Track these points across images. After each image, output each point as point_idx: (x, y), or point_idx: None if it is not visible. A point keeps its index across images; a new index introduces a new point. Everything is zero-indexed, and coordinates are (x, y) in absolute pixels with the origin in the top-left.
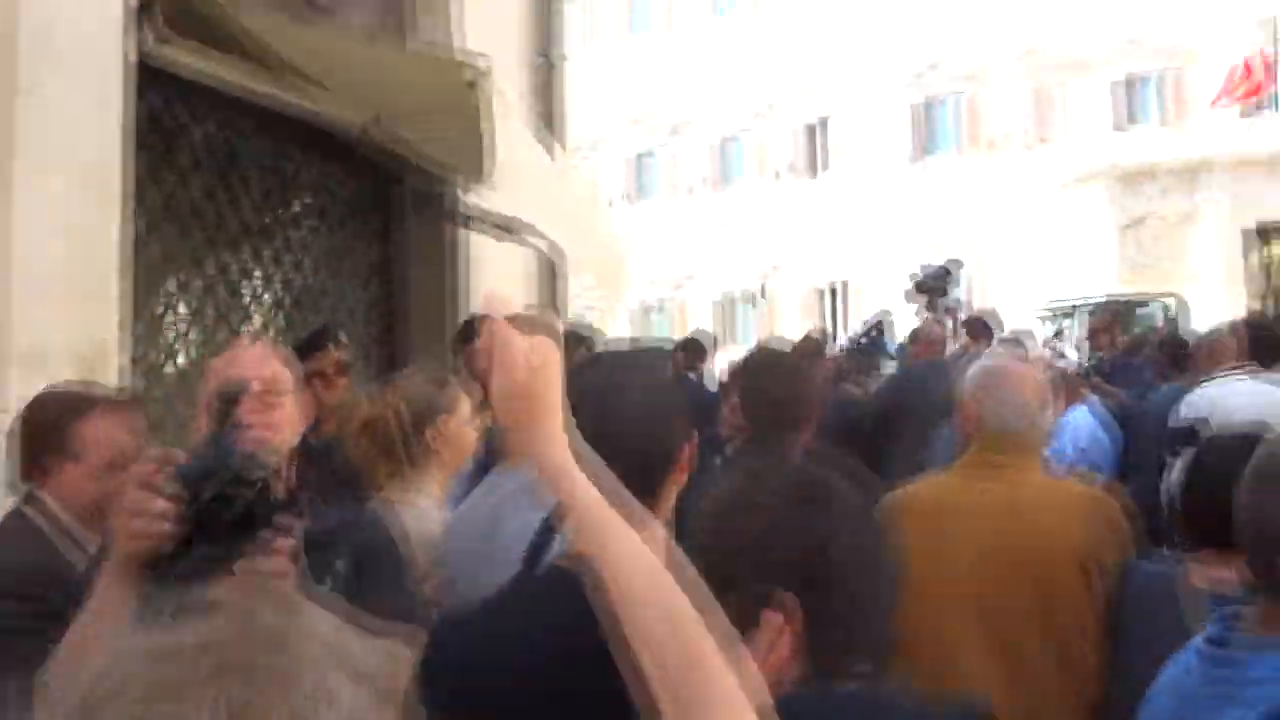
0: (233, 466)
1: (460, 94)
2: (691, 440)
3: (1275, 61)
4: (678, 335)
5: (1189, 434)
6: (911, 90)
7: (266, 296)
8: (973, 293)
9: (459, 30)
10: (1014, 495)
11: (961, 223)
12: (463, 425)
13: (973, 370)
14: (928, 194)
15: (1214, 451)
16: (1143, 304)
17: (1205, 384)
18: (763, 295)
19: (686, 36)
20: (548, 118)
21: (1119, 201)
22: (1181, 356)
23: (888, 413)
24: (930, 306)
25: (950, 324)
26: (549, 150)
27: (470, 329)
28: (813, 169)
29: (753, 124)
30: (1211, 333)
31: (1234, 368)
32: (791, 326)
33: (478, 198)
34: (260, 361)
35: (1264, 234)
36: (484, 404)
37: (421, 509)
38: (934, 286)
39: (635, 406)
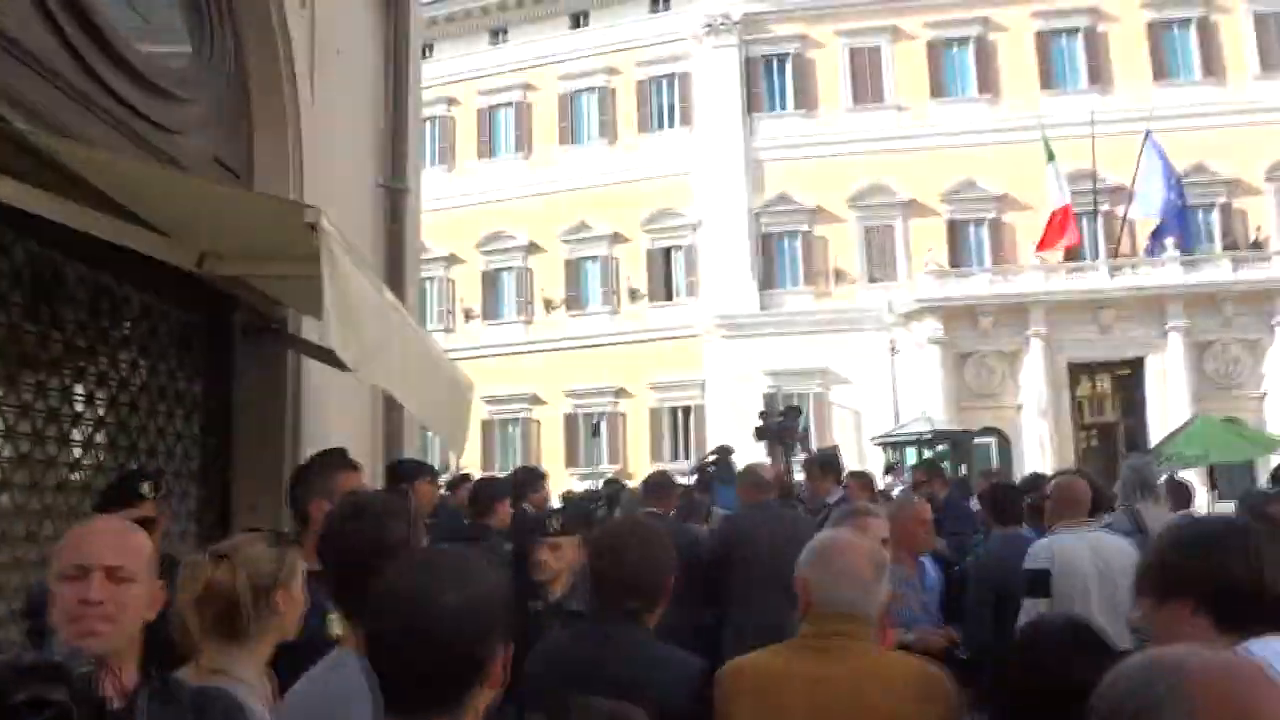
0: (47, 668)
1: (299, 236)
2: (507, 651)
3: (1096, 213)
4: (529, 452)
5: (1039, 580)
6: (757, 224)
7: (85, 424)
8: (820, 419)
9: (305, 155)
10: (846, 671)
11: (804, 352)
12: (299, 593)
13: (810, 543)
14: (773, 322)
15: (1040, 636)
16: (972, 437)
17: (1057, 532)
18: (599, 427)
19: (540, 161)
20: (393, 244)
21: (950, 336)
22: (1007, 506)
23: (719, 561)
24: (773, 453)
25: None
26: (395, 304)
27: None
28: (667, 294)
29: (607, 248)
30: (1062, 482)
31: (1082, 522)
32: (641, 445)
33: (316, 335)
34: (112, 539)
35: (1075, 372)
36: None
37: (248, 685)
38: (781, 430)
39: (447, 613)
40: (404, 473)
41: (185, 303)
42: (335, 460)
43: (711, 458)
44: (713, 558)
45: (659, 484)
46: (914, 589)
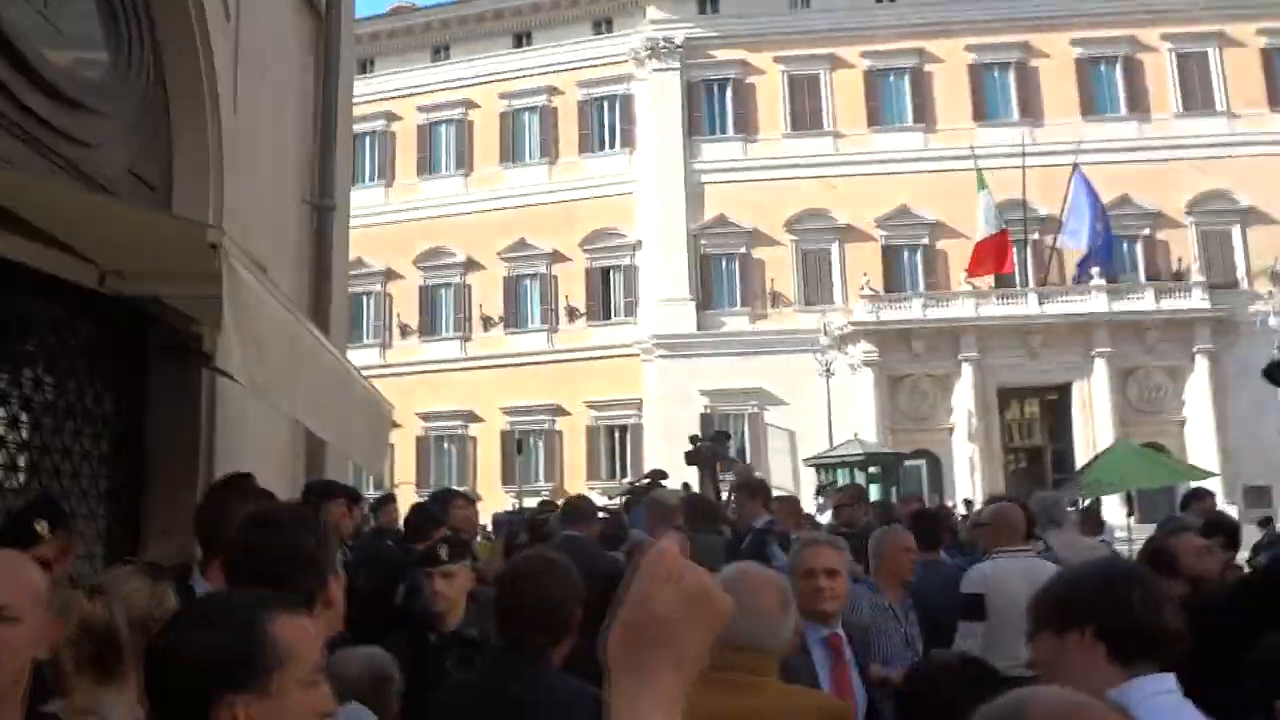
0: None
1: (204, 255)
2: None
3: (1026, 242)
4: (465, 470)
5: (975, 604)
6: (697, 245)
7: None
8: (756, 439)
9: (226, 170)
10: (745, 706)
11: (740, 372)
12: None
13: (719, 575)
14: (711, 343)
15: (932, 673)
16: (903, 459)
17: (995, 558)
18: (521, 445)
19: (483, 179)
20: (319, 261)
21: (883, 360)
22: (928, 532)
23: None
24: (702, 476)
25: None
26: (309, 328)
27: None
28: (605, 313)
29: (546, 266)
30: (999, 509)
31: (1018, 547)
32: (578, 464)
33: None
34: None
35: (1004, 396)
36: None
37: None
38: (711, 453)
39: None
40: (314, 493)
41: (98, 319)
42: (237, 491)
43: (644, 481)
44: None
45: (577, 508)
46: (897, 621)
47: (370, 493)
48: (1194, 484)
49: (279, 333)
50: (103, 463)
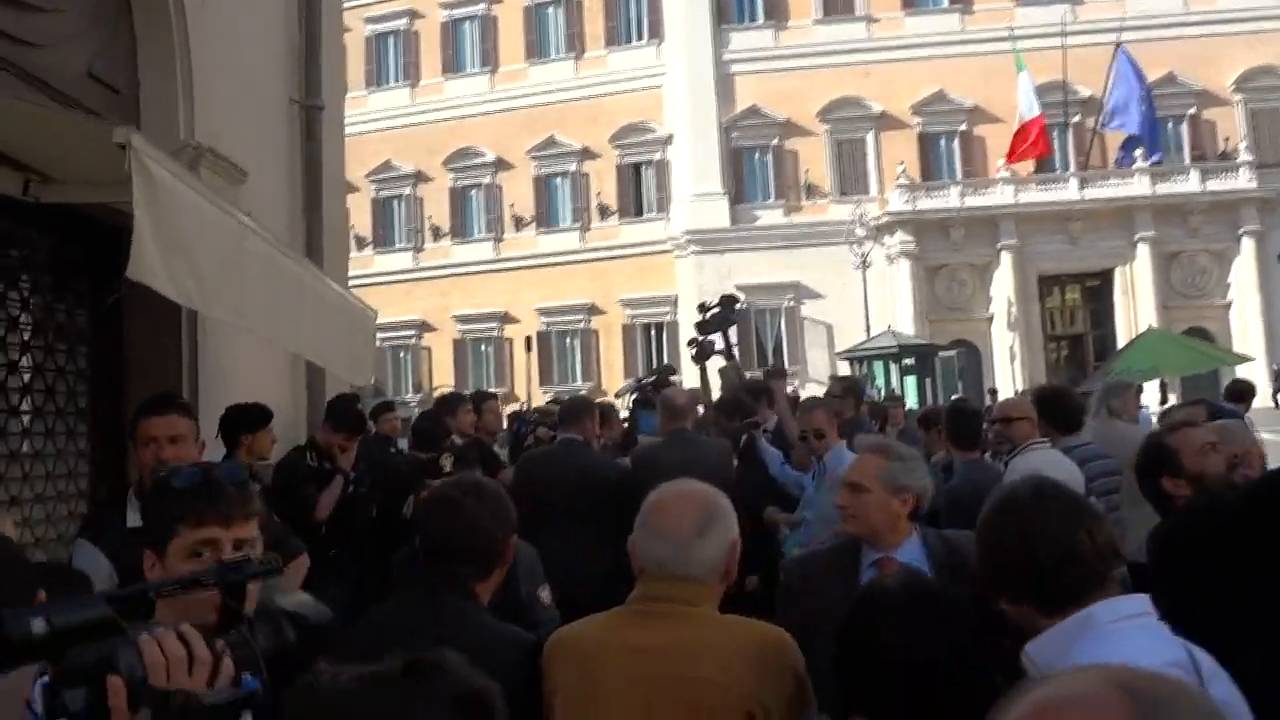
0: None
1: (113, 157)
2: None
3: (1066, 125)
4: (502, 371)
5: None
6: (728, 138)
7: None
8: (793, 333)
9: (196, 68)
10: (671, 640)
11: (775, 266)
12: None
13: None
14: (744, 237)
15: (874, 604)
16: (939, 350)
17: (1020, 453)
18: (530, 342)
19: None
20: (310, 164)
21: (920, 250)
22: (968, 430)
23: (626, 499)
24: (699, 357)
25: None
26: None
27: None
28: (637, 210)
29: (577, 164)
30: (1007, 403)
31: (1034, 443)
32: (615, 362)
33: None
34: None
35: (1044, 284)
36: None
37: None
38: (720, 321)
39: None
40: (231, 425)
41: (71, 233)
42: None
43: (650, 380)
44: (621, 494)
45: (574, 408)
46: None
47: (410, 396)
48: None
49: (216, 238)
50: (80, 378)
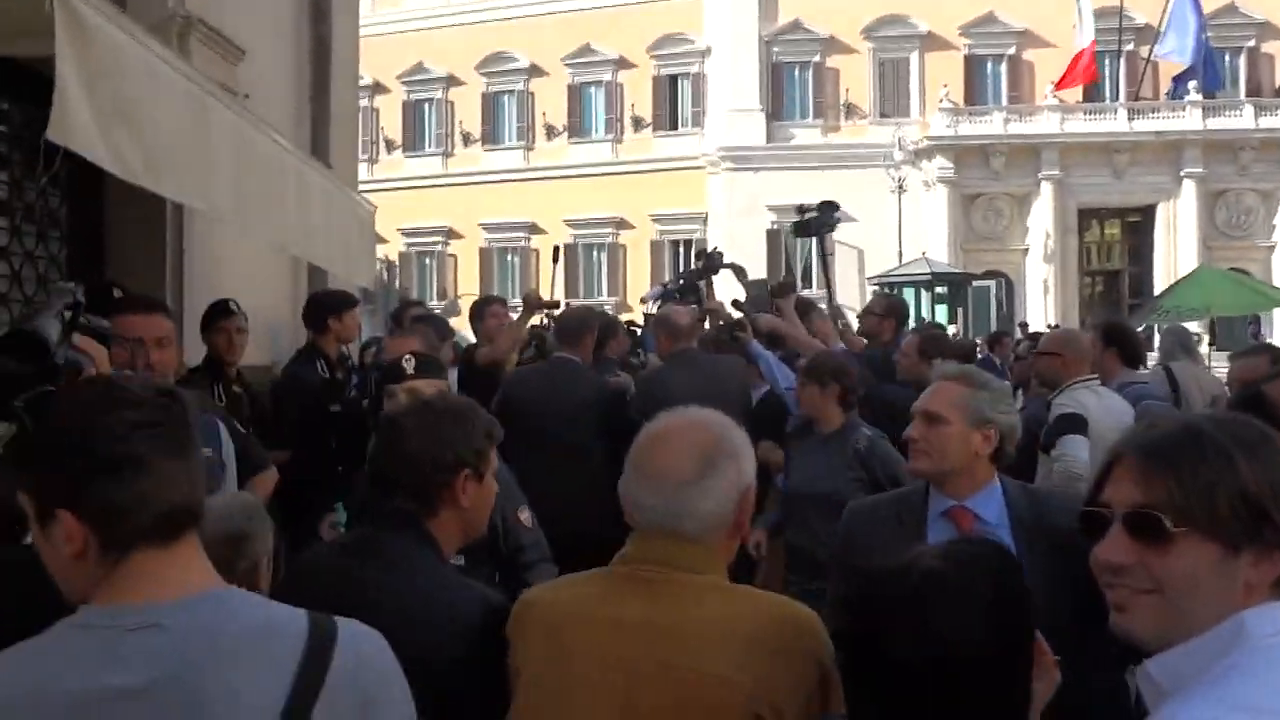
0: None
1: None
2: None
3: (1119, 54)
4: (527, 282)
5: (1074, 422)
6: (768, 52)
7: None
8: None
9: None
10: (667, 615)
11: (810, 187)
12: None
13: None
14: (780, 156)
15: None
16: (972, 280)
17: (1069, 390)
18: (558, 251)
19: None
20: (320, 41)
21: (959, 176)
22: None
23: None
24: (821, 245)
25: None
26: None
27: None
28: (672, 123)
29: (612, 73)
30: (1064, 335)
31: (1083, 380)
32: (641, 278)
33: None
34: None
35: (1084, 217)
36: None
37: None
38: (818, 226)
39: None
40: (317, 309)
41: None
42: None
43: (698, 264)
44: (615, 422)
45: (571, 324)
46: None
47: (434, 303)
48: None
49: (171, 105)
50: (53, 265)
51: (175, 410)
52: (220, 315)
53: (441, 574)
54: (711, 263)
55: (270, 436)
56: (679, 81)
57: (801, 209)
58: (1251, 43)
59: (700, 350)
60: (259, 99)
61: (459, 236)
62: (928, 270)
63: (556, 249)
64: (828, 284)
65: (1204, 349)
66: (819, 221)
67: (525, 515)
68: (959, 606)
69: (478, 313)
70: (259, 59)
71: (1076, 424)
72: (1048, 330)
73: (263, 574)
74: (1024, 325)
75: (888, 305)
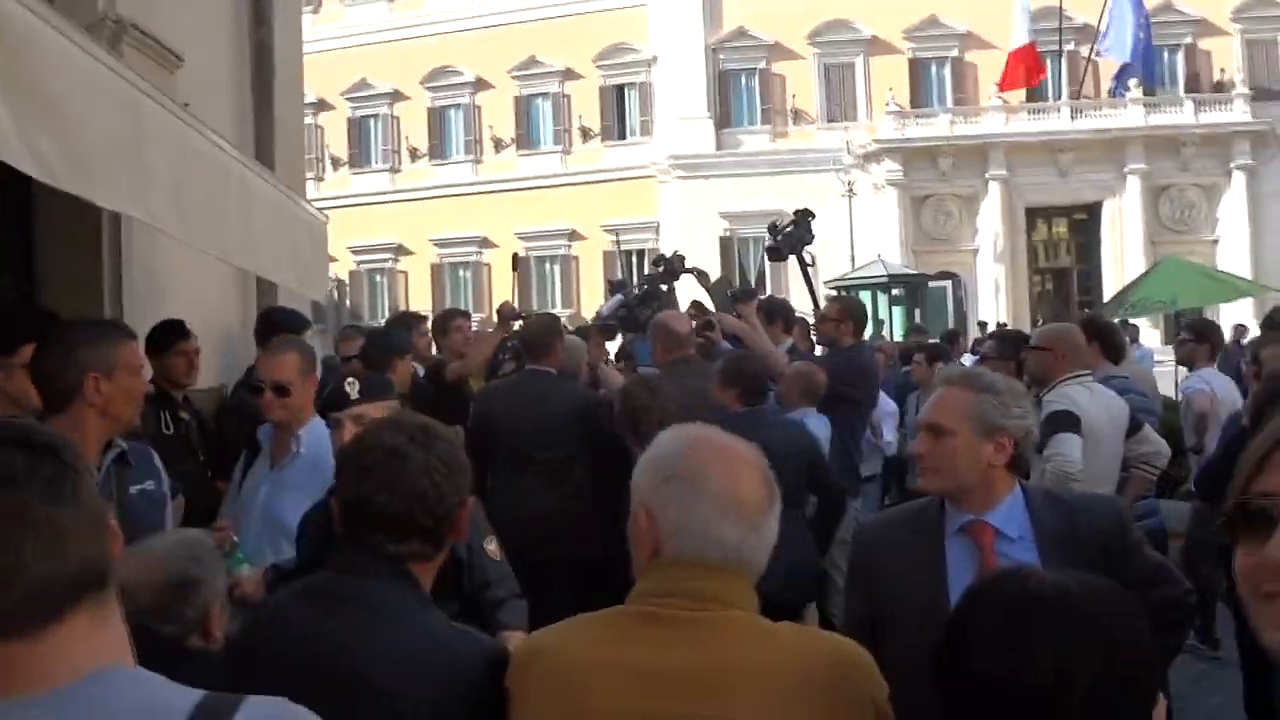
0: None
1: None
2: None
3: (1060, 53)
4: (480, 296)
5: (1066, 419)
6: (714, 60)
7: None
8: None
9: None
10: (699, 662)
11: (760, 193)
12: None
13: (661, 449)
14: (729, 163)
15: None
16: (927, 280)
17: (1059, 386)
18: (516, 260)
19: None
20: (262, 47)
21: (908, 179)
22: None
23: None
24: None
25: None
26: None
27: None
28: (620, 133)
29: (559, 84)
30: (1055, 330)
31: (1073, 376)
32: (595, 289)
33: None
34: None
35: (1032, 216)
36: None
37: None
38: (795, 242)
39: None
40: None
41: None
42: (105, 329)
43: (637, 291)
44: (607, 440)
45: (537, 333)
46: None
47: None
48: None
49: (101, 104)
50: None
51: (47, 456)
52: (177, 336)
53: (438, 622)
54: (673, 267)
55: (220, 464)
56: (626, 91)
57: (773, 227)
58: (1189, 40)
59: (701, 360)
60: (199, 107)
61: (409, 253)
62: (883, 272)
63: (515, 257)
64: (812, 295)
65: (1156, 342)
66: (794, 238)
67: (492, 547)
68: (1076, 632)
69: (441, 327)
70: (198, 66)
71: (1069, 422)
72: (995, 329)
73: (215, 620)
74: (983, 324)
75: (842, 308)
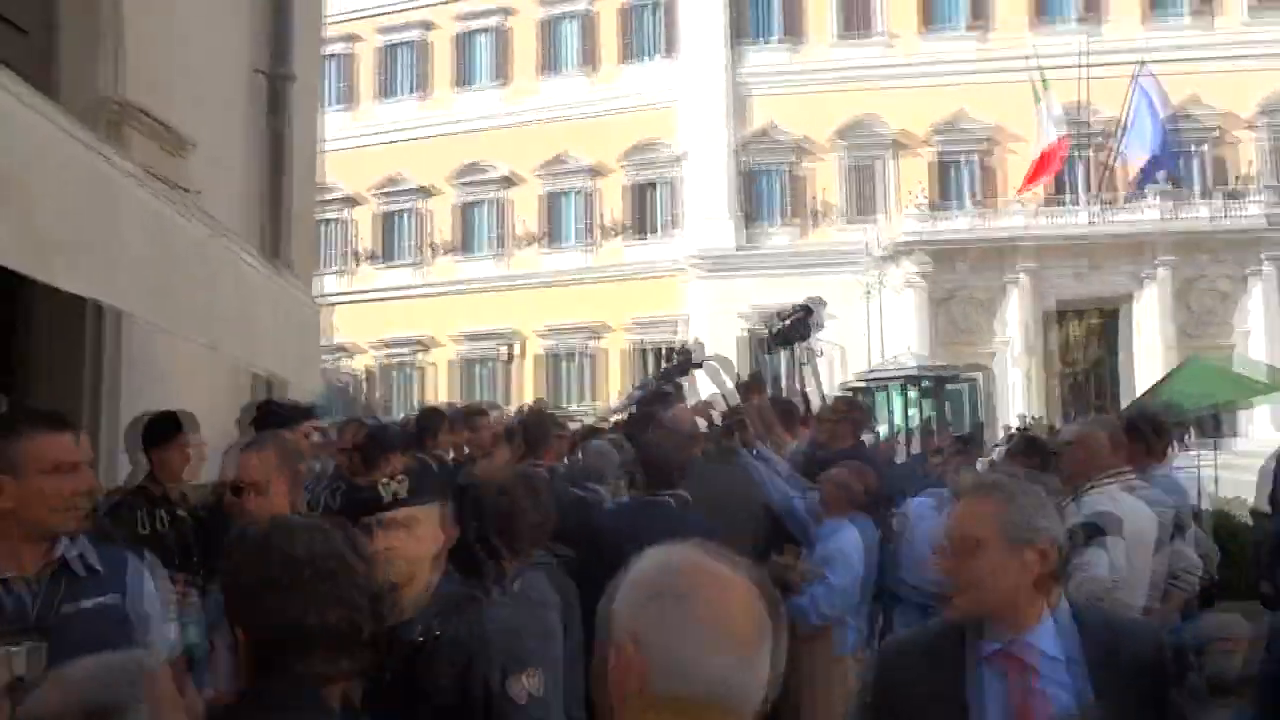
0: None
1: None
2: None
3: (1084, 153)
4: (505, 392)
5: (1103, 526)
6: (741, 158)
7: None
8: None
9: (130, 17)
10: None
11: (786, 290)
12: None
13: (636, 572)
14: (755, 260)
15: None
16: (953, 376)
17: (1090, 491)
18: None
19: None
20: (276, 137)
21: (933, 276)
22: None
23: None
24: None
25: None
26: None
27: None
28: (646, 229)
29: (586, 181)
30: (1083, 433)
31: (1115, 474)
32: (620, 384)
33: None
34: None
35: (1057, 314)
36: None
37: None
38: (800, 330)
39: None
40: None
41: None
42: (15, 421)
43: (643, 391)
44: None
45: (534, 427)
46: None
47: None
48: None
49: (69, 179)
50: None
51: None
52: (175, 429)
53: None
54: (690, 358)
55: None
56: (653, 188)
57: (779, 315)
58: (1211, 140)
59: (703, 460)
60: (210, 195)
61: (434, 347)
62: (907, 368)
63: (521, 346)
64: (802, 390)
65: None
66: (799, 325)
67: (524, 686)
68: None
69: (466, 422)
70: (211, 153)
71: (1102, 530)
72: (1018, 429)
73: None
74: (1007, 427)
75: (841, 407)
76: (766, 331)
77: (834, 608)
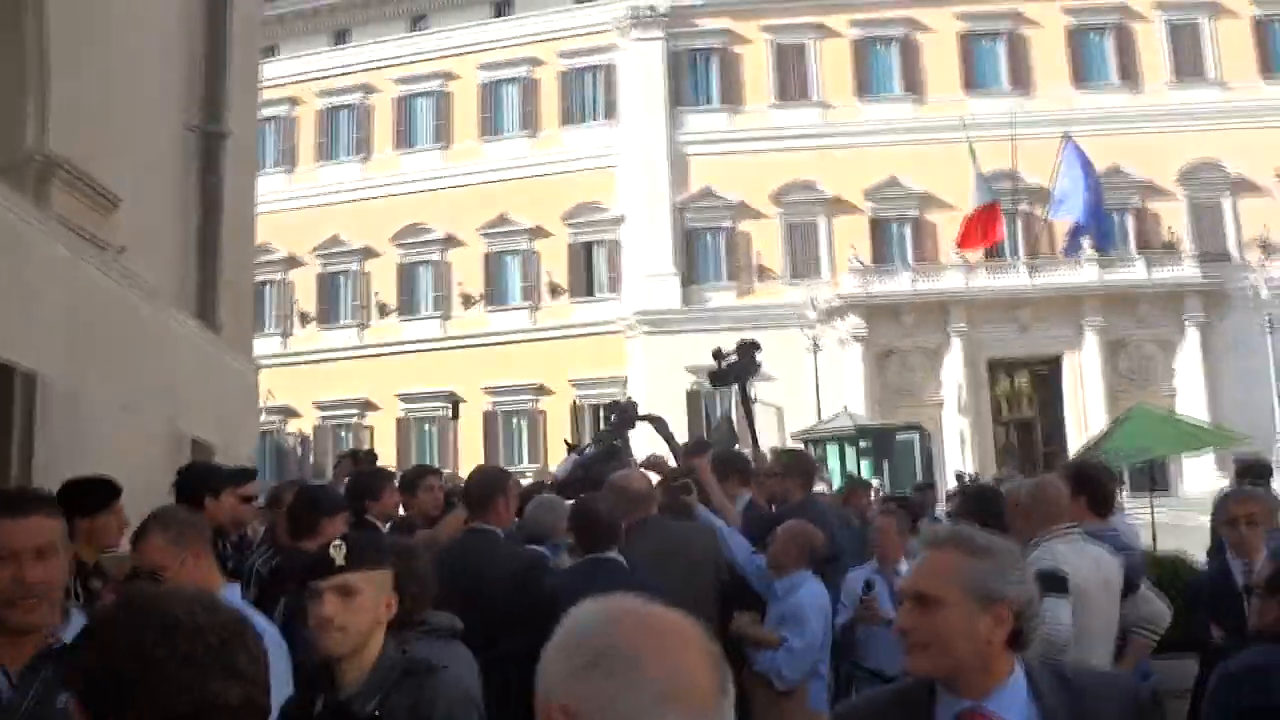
0: None
1: None
2: None
3: (1015, 214)
4: (446, 452)
5: (1055, 580)
6: (681, 219)
7: None
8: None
9: (55, 68)
10: None
11: (726, 347)
12: None
13: (577, 627)
14: (696, 319)
15: None
16: (894, 433)
17: (1046, 542)
18: (456, 408)
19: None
20: (209, 195)
21: (872, 334)
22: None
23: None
24: (744, 392)
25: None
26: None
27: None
28: (589, 289)
29: (528, 242)
30: (1034, 486)
31: (1069, 527)
32: (557, 444)
33: None
34: None
35: (994, 369)
36: None
37: None
38: (740, 371)
39: None
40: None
41: None
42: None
43: (588, 447)
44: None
45: (481, 486)
46: None
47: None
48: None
49: None
50: None
51: None
52: (111, 496)
53: None
54: (626, 415)
55: None
56: (594, 248)
57: (718, 354)
58: (1138, 202)
59: (661, 518)
60: (137, 255)
61: (375, 408)
62: (850, 425)
63: (454, 407)
64: (751, 431)
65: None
66: (739, 367)
67: None
68: None
69: (410, 485)
70: (139, 210)
71: (1055, 584)
72: (970, 479)
73: None
74: (960, 476)
75: (787, 464)
76: (714, 365)
77: (796, 671)
